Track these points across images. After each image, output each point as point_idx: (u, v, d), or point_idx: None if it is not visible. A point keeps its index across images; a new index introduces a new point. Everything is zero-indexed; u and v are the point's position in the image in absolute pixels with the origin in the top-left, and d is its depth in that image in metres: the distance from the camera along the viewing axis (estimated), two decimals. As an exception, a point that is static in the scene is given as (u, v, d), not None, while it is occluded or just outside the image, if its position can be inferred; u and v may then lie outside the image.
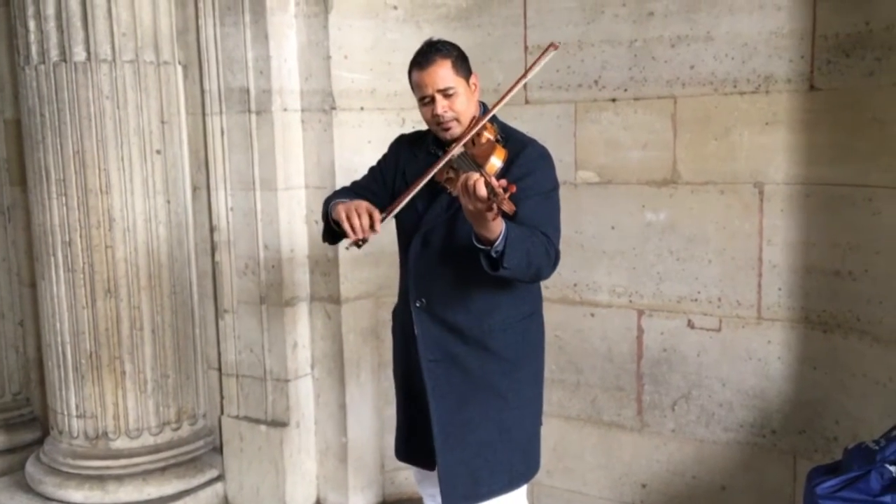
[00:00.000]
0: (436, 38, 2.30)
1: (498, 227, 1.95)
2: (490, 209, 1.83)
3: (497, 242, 1.96)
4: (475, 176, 1.86)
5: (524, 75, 2.28)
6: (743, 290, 2.97)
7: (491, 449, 2.31)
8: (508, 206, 1.82)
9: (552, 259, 2.15)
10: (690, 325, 3.08)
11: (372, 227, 2.14)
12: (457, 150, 2.19)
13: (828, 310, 2.82)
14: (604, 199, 3.18)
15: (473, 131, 2.20)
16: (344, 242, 2.25)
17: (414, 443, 2.46)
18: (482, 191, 1.82)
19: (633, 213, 3.13)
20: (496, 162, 2.12)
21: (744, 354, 2.99)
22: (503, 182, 1.84)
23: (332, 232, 2.35)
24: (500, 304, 2.28)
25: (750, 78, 2.87)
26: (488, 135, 2.22)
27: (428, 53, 2.23)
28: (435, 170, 2.19)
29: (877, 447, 2.15)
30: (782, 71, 2.81)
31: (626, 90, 3.09)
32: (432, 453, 2.34)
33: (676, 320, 3.10)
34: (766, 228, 2.90)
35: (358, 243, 2.16)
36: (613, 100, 3.12)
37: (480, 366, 2.30)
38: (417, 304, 2.33)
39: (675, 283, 3.08)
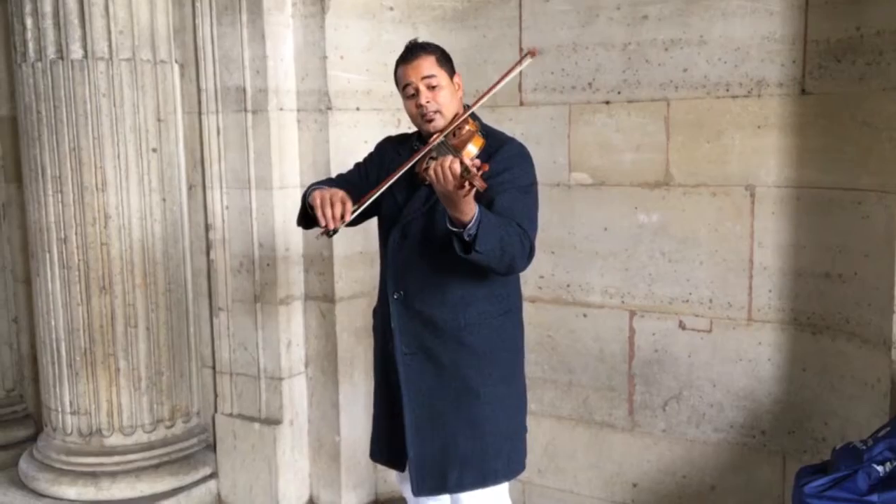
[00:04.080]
0: (420, 39, 2.36)
1: (471, 210, 1.98)
2: (462, 186, 1.87)
3: (470, 225, 1.99)
4: (450, 158, 1.92)
5: (501, 79, 2.29)
6: (734, 292, 2.99)
7: (459, 443, 2.33)
8: (480, 183, 1.86)
9: (527, 251, 2.17)
10: (682, 326, 3.10)
11: (343, 217, 2.16)
12: (437, 140, 2.23)
13: (817, 312, 2.85)
14: (597, 200, 3.20)
15: (455, 124, 2.26)
16: (315, 231, 2.28)
17: (391, 443, 2.46)
18: (456, 168, 1.87)
19: (625, 215, 3.15)
20: (472, 149, 2.17)
21: (734, 356, 3.02)
22: (476, 161, 1.90)
23: (307, 217, 2.36)
24: (476, 299, 2.30)
25: (742, 82, 2.89)
26: (469, 127, 2.26)
27: (413, 49, 2.33)
28: (414, 160, 2.23)
29: (864, 447, 2.17)
30: (774, 75, 2.84)
31: (619, 93, 3.11)
32: (405, 454, 2.36)
33: (668, 321, 3.12)
34: (757, 231, 2.93)
35: (328, 233, 2.19)
36: (607, 102, 3.14)
37: (454, 360, 2.32)
38: (395, 297, 2.37)
39: (666, 285, 3.11)
